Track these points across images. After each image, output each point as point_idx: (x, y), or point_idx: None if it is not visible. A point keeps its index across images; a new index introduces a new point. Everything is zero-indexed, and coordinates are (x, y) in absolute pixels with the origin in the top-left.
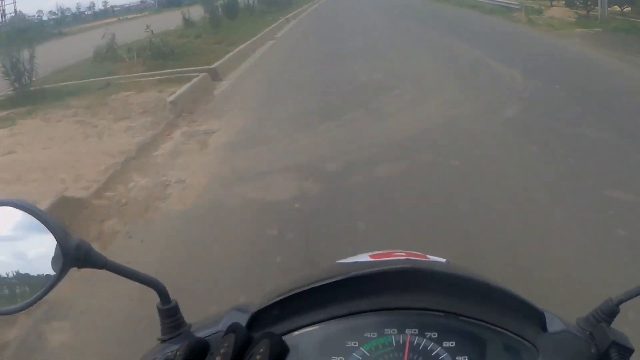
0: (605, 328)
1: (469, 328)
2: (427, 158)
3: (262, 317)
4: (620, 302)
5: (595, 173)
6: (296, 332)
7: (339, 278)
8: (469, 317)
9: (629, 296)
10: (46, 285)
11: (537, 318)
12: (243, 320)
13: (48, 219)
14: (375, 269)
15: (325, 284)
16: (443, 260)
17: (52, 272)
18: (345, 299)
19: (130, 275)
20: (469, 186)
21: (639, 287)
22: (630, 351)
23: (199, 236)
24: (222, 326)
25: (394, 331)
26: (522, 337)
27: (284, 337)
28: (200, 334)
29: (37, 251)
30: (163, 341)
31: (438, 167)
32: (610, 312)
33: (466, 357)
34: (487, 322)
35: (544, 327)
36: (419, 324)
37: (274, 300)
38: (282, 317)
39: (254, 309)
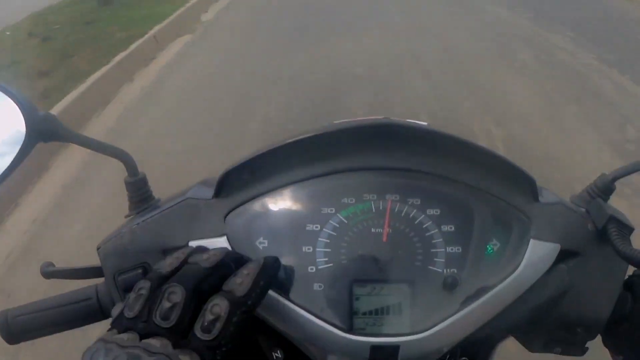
0: (602, 203)
1: (455, 194)
2: None
3: (231, 182)
4: (615, 178)
5: None
6: (267, 196)
7: (309, 135)
8: (454, 181)
9: (625, 172)
10: (11, 161)
11: (528, 186)
12: (210, 189)
13: (14, 93)
14: (351, 123)
15: (298, 141)
16: (424, 123)
17: (17, 147)
18: (319, 159)
19: (97, 147)
20: None
21: (635, 162)
22: (629, 229)
23: None
24: (190, 194)
25: (373, 197)
26: (513, 205)
27: (253, 202)
28: (168, 205)
29: (2, 125)
30: (133, 216)
31: None
32: (605, 189)
33: (452, 225)
34: (474, 188)
35: (535, 197)
36: (400, 189)
37: (242, 161)
38: (253, 180)
39: (221, 172)
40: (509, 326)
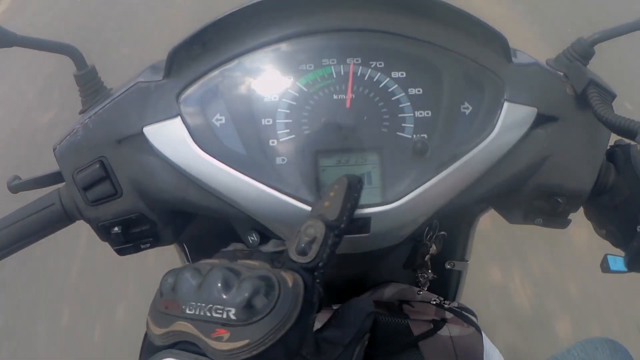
0: (581, 67)
1: (421, 55)
2: None
3: (182, 59)
4: (595, 41)
5: None
6: (220, 70)
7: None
8: (420, 40)
9: (605, 36)
10: None
11: (500, 45)
12: (161, 71)
13: None
14: None
15: (248, 5)
16: None
17: None
18: (271, 25)
19: (41, 45)
20: None
21: (616, 27)
22: (612, 95)
23: None
24: (141, 77)
25: (333, 61)
26: (484, 66)
27: (206, 77)
28: (118, 92)
29: None
30: (85, 110)
31: None
32: (584, 53)
33: (420, 89)
34: (441, 47)
35: (508, 58)
36: (361, 51)
37: (192, 34)
38: (205, 53)
39: (172, 48)
40: (487, 196)
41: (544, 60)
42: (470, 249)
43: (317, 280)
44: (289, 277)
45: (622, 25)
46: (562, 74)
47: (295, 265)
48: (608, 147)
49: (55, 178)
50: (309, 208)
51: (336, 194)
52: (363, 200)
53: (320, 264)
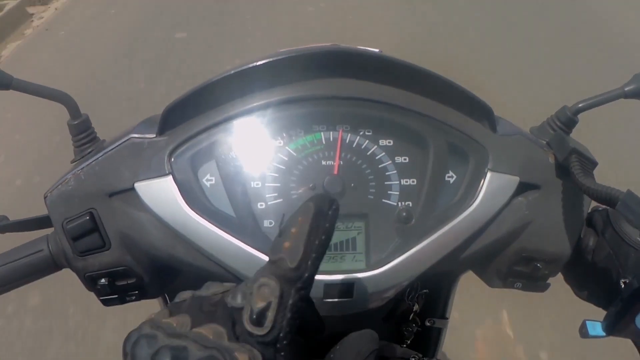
0: (564, 136)
1: (408, 124)
2: None
3: (175, 118)
4: (578, 111)
5: None
6: (212, 131)
7: (253, 65)
8: (408, 110)
9: (588, 105)
10: None
11: (485, 116)
12: (154, 126)
13: None
14: (299, 51)
15: (242, 70)
16: (376, 50)
17: None
18: (264, 90)
19: (37, 91)
20: None
21: (599, 95)
22: (593, 163)
23: None
24: (134, 132)
25: (323, 127)
26: (469, 136)
27: (198, 138)
28: (111, 146)
29: None
30: (78, 160)
31: None
32: (567, 121)
33: (406, 157)
34: (428, 117)
35: (493, 128)
36: (350, 119)
37: (186, 95)
38: (197, 114)
39: (166, 107)
40: (468, 260)
41: (528, 128)
42: (451, 307)
43: (282, 353)
44: (242, 357)
45: (605, 94)
46: (545, 142)
47: (252, 339)
48: (588, 212)
49: (42, 222)
50: None
51: (299, 230)
52: (347, 265)
53: (281, 335)
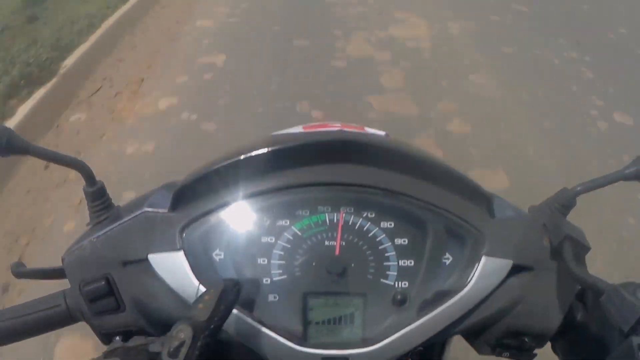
0: (560, 219)
1: (409, 209)
2: None
3: (187, 196)
4: (578, 193)
5: None
6: (222, 210)
7: (264, 150)
8: (409, 196)
9: (588, 188)
10: None
11: (484, 202)
12: (166, 199)
13: None
14: (307, 137)
15: (252, 156)
16: (382, 133)
17: None
18: (274, 173)
19: (54, 158)
20: None
21: (599, 178)
22: (586, 249)
23: None
24: (148, 205)
25: (327, 209)
26: (466, 222)
27: (209, 215)
28: (126, 218)
29: None
30: (93, 225)
31: None
32: (566, 204)
33: (405, 239)
34: (428, 203)
35: (491, 213)
36: (354, 202)
37: (197, 176)
38: (208, 193)
39: (177, 187)
40: (459, 333)
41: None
42: None
43: None
44: None
45: (604, 177)
46: (541, 222)
47: None
48: (579, 288)
49: (58, 273)
50: (294, 345)
51: (210, 297)
52: (345, 340)
53: None
